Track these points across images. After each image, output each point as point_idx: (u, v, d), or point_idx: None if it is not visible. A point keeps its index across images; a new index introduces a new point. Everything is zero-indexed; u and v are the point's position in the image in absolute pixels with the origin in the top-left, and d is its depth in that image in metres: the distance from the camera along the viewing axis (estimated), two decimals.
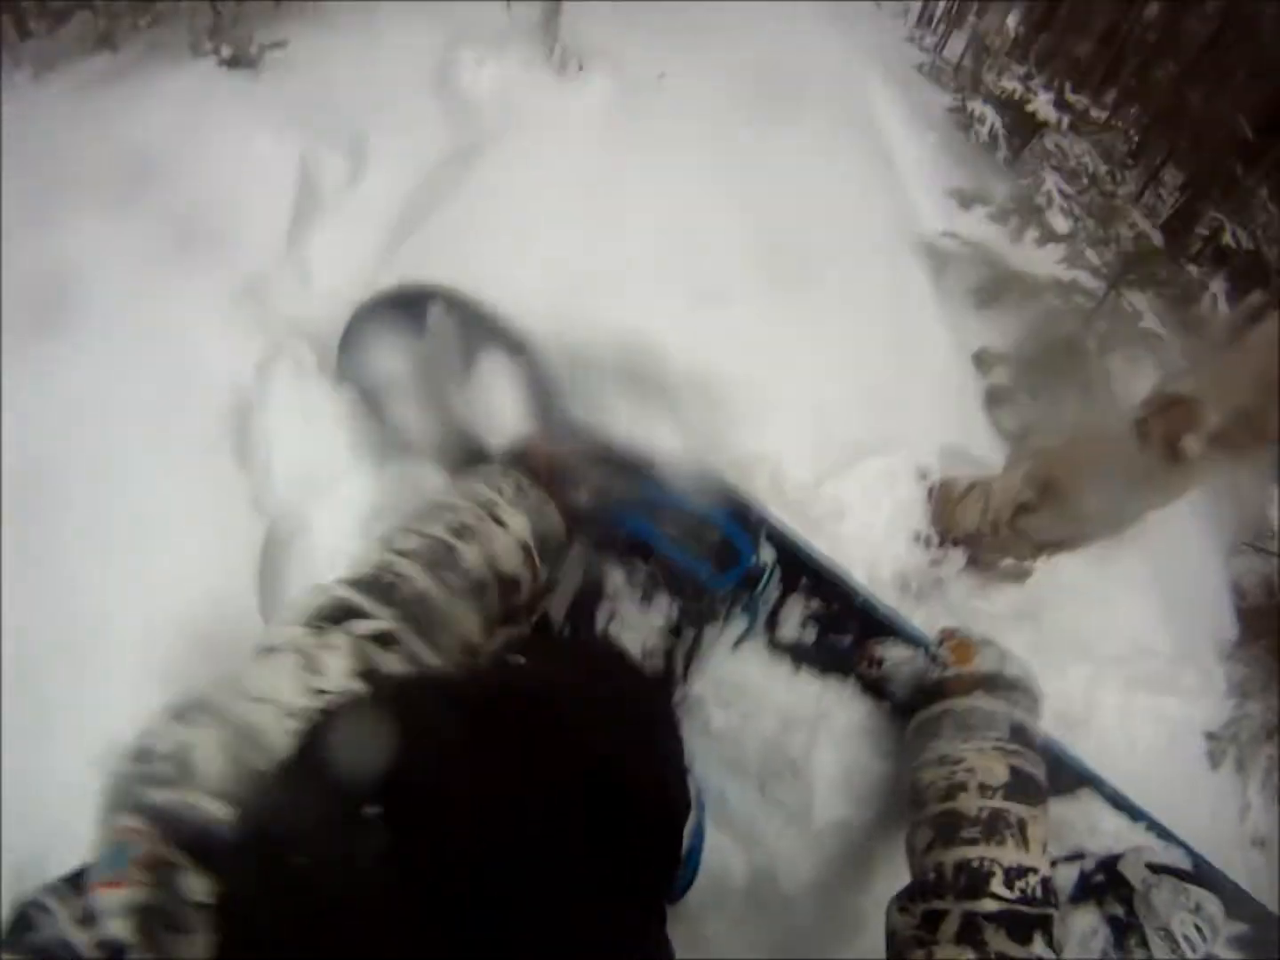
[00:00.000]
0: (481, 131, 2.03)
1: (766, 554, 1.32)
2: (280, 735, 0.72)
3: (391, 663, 0.86)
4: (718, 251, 1.83)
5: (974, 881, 0.87)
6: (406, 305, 1.49)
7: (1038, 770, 1.00)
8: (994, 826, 0.91)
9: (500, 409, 1.41)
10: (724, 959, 1.23)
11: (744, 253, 1.84)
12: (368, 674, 0.81)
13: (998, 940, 0.83)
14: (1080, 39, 3.75)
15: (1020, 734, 1.01)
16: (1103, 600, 1.85)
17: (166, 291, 1.63)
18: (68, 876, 0.68)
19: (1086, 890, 1.43)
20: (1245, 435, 1.19)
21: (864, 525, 1.51)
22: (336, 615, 0.87)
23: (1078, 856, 1.45)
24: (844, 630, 1.37)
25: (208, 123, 1.94)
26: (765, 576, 1.31)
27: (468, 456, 1.39)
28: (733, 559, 1.24)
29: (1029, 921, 0.86)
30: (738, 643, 1.33)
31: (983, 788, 0.94)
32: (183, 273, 1.65)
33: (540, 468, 1.20)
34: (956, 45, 3.63)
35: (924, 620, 1.46)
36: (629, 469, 1.28)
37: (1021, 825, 0.92)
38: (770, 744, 1.30)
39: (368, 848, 0.48)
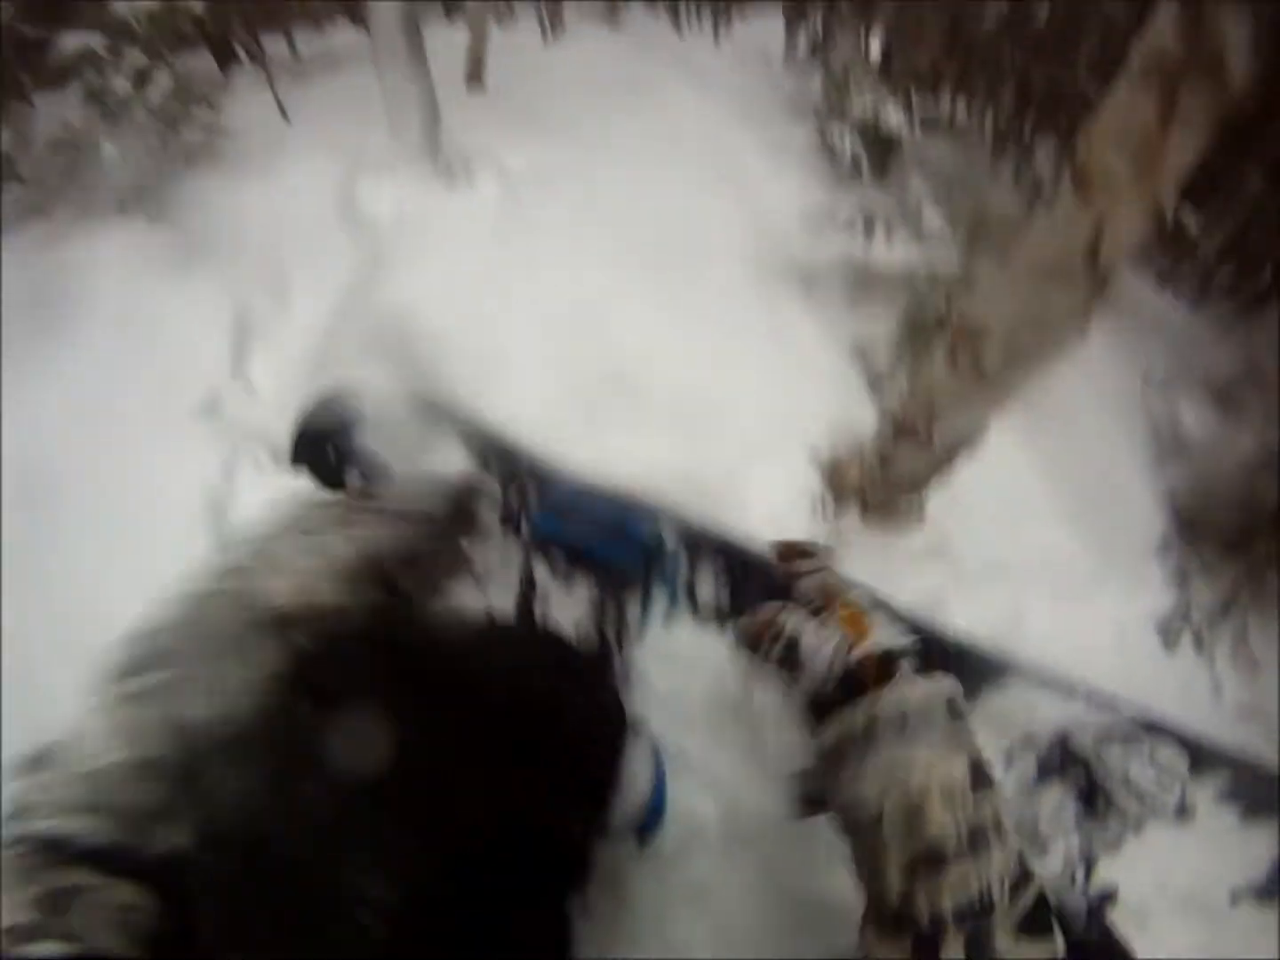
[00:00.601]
0: (387, 246, 2.28)
1: (669, 535, 1.52)
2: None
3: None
4: (617, 295, 2.06)
5: (982, 922, 0.73)
6: (342, 402, 1.74)
7: (977, 741, 0.85)
8: (977, 840, 0.76)
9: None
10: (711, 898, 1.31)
11: (639, 292, 2.08)
12: None
13: (1020, 949, 0.72)
14: (919, 47, 4.04)
15: (955, 709, 0.85)
16: (1012, 527, 1.99)
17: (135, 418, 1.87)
18: None
19: (1046, 771, 1.48)
20: (1036, 341, 1.36)
21: (768, 511, 1.68)
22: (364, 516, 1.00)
23: (1028, 745, 1.50)
24: (751, 585, 1.53)
25: (144, 277, 2.23)
26: (670, 552, 1.51)
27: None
28: (625, 531, 1.46)
29: (1039, 913, 0.75)
30: (666, 617, 1.52)
31: (947, 796, 0.78)
32: (144, 404, 1.91)
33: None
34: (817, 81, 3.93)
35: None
36: (538, 477, 1.49)
37: (995, 820, 0.78)
38: (713, 695, 1.44)
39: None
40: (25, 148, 2.48)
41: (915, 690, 0.84)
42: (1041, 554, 1.98)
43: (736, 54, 4.44)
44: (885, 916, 0.77)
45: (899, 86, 3.61)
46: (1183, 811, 1.46)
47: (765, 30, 4.74)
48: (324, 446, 1.72)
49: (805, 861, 1.33)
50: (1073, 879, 1.41)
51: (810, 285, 2.26)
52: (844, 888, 0.91)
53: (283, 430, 1.80)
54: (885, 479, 1.67)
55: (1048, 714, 1.51)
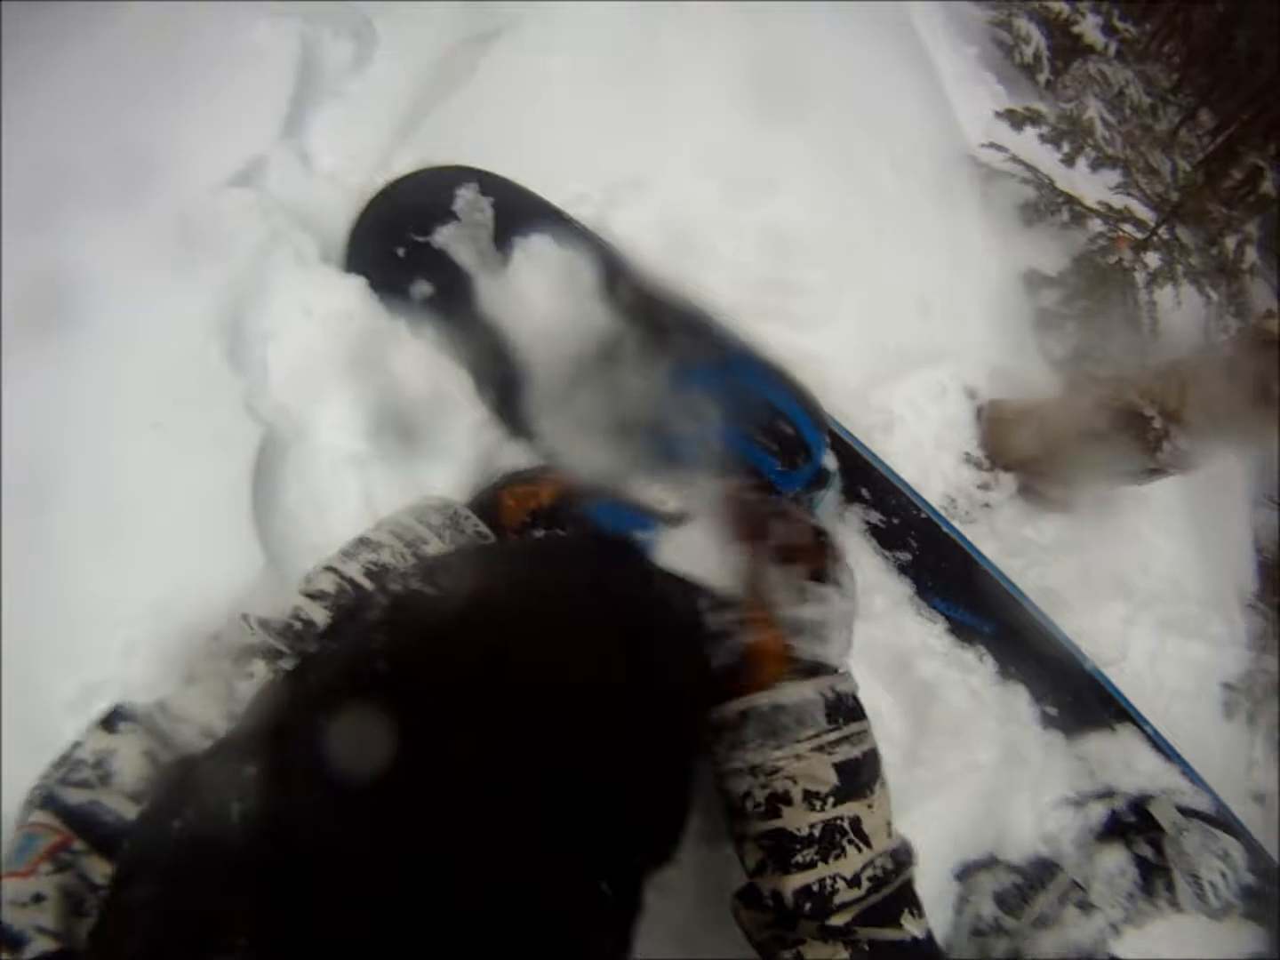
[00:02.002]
0: (500, 13, 1.84)
1: (831, 461, 1.22)
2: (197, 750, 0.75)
3: None
4: (761, 141, 1.69)
5: (820, 904, 0.78)
6: (431, 188, 1.37)
7: (863, 745, 0.86)
8: (830, 841, 0.80)
9: (547, 301, 1.30)
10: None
11: (786, 145, 1.70)
12: None
13: (866, 932, 0.77)
14: None
15: (838, 711, 0.86)
16: (1140, 539, 1.79)
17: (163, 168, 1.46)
18: None
19: (1116, 828, 1.43)
20: None
21: (912, 440, 1.43)
22: (255, 654, 0.86)
23: (1108, 794, 1.45)
24: (902, 547, 1.31)
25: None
26: (829, 482, 1.21)
27: (502, 362, 1.29)
28: (805, 457, 1.13)
29: (891, 904, 0.80)
30: None
31: (809, 796, 0.81)
32: (165, 158, 1.48)
33: (514, 506, 1.12)
34: None
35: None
36: (702, 337, 1.16)
37: (857, 825, 0.81)
38: None
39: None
40: None
41: (795, 693, 0.85)
42: (1163, 577, 1.81)
43: None
44: (748, 892, 0.85)
45: None
46: (1223, 914, 1.42)
47: None
48: (393, 242, 1.37)
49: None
50: (1101, 946, 1.37)
51: (987, 184, 1.90)
52: None
53: (339, 217, 1.46)
54: (1075, 461, 1.37)
55: (1141, 773, 1.47)
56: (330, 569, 0.94)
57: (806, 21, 1.98)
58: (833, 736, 0.83)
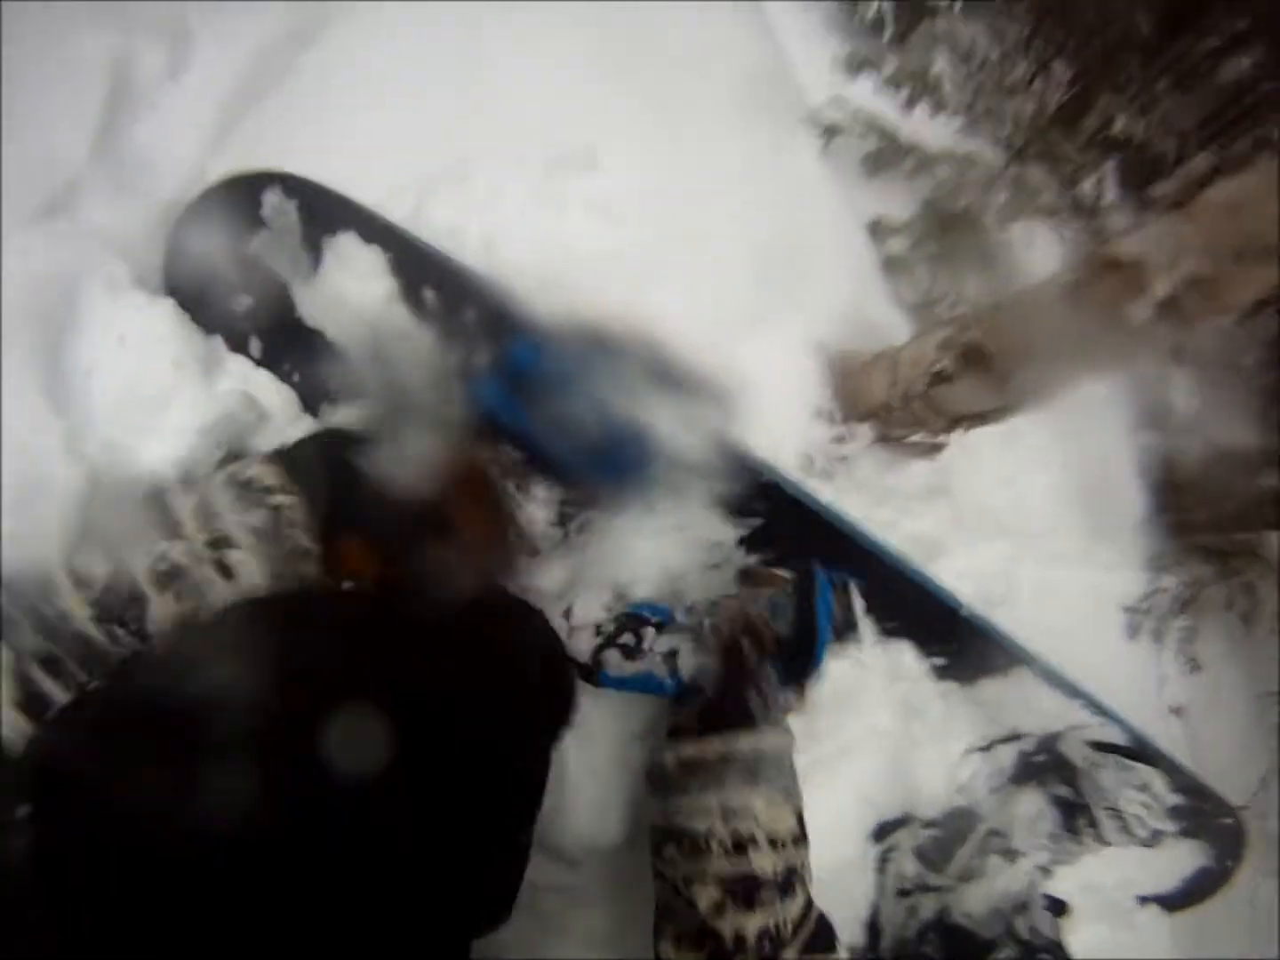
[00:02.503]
0: (316, 11, 1.78)
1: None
2: None
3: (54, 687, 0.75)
4: (582, 112, 1.66)
5: (776, 946, 0.83)
6: (239, 196, 1.32)
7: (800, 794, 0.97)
8: (788, 883, 0.87)
9: (358, 299, 1.25)
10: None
11: (611, 114, 1.68)
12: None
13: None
14: None
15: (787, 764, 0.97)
16: (1014, 476, 1.81)
17: None
18: None
19: (1028, 771, 1.44)
20: (1198, 303, 1.10)
21: (760, 400, 1.39)
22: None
23: (1015, 737, 1.46)
24: (752, 512, 1.31)
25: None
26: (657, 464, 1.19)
27: (317, 363, 1.25)
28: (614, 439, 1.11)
29: (823, 938, 0.87)
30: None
31: (774, 842, 0.88)
32: None
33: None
34: None
35: (832, 498, 1.38)
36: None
37: (805, 868, 0.90)
38: None
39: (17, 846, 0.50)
40: None
41: (775, 742, 0.94)
42: (1041, 512, 1.85)
43: None
44: (687, 930, 0.86)
45: None
46: (1152, 842, 1.45)
47: None
48: (206, 257, 1.32)
49: None
50: (1031, 889, 1.38)
51: (828, 138, 1.89)
52: None
53: (151, 237, 1.41)
54: (926, 405, 1.37)
55: (1042, 711, 1.48)
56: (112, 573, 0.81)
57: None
58: (794, 785, 0.94)
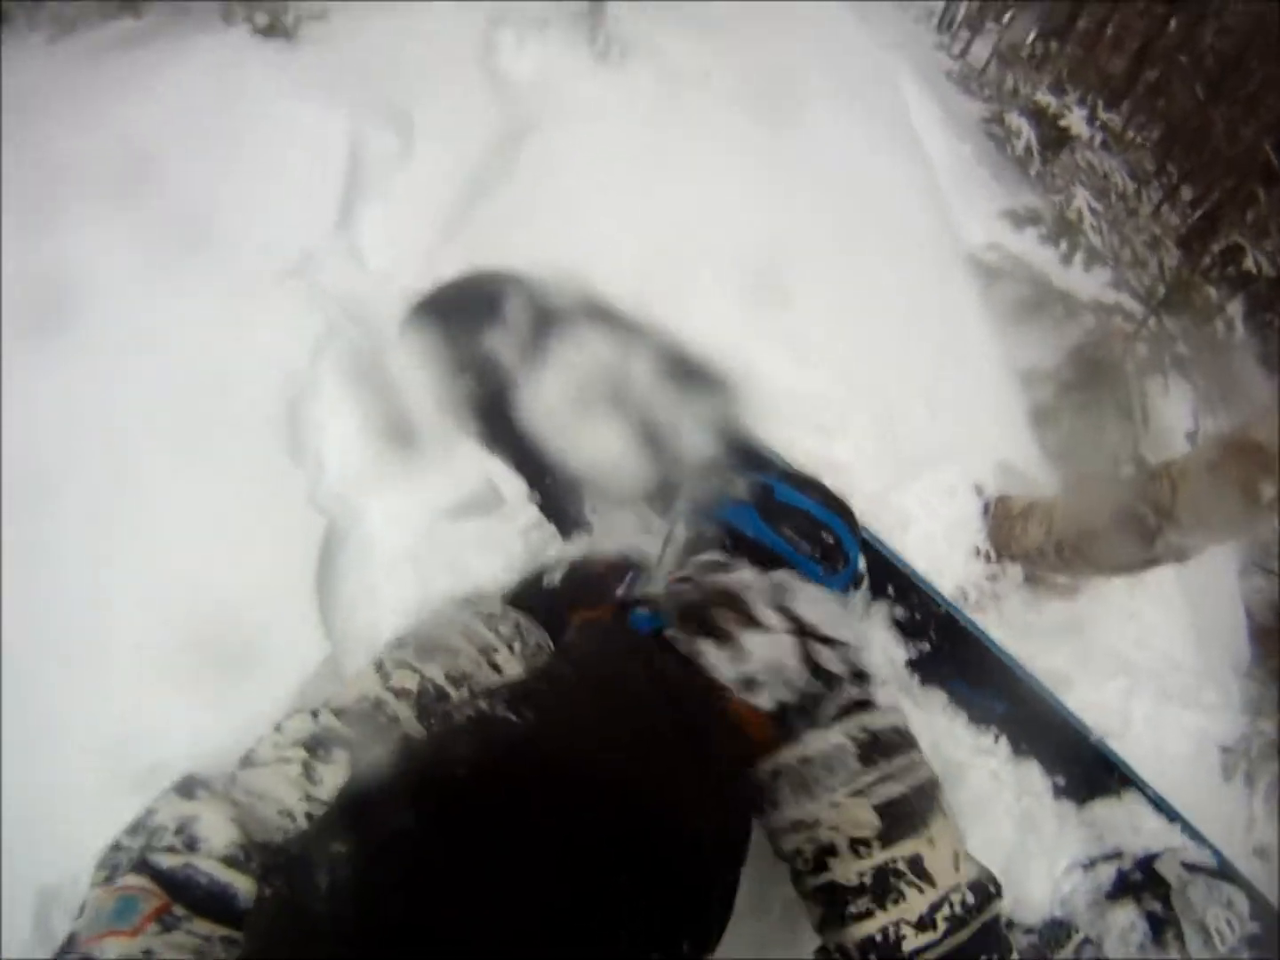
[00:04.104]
0: (525, 114, 1.98)
1: (863, 563, 1.32)
2: (278, 829, 0.79)
3: None
4: (771, 250, 1.80)
5: (887, 954, 0.76)
6: (477, 293, 1.47)
7: (914, 777, 0.83)
8: (884, 887, 0.77)
9: (591, 403, 1.39)
10: None
11: (796, 252, 1.82)
12: None
13: None
14: (1113, 54, 3.80)
15: (874, 749, 0.83)
16: (1136, 616, 1.88)
17: (181, 280, 1.54)
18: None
19: (1125, 887, 1.48)
20: None
21: (926, 536, 1.52)
22: (331, 739, 0.89)
23: (1116, 855, 1.50)
24: (923, 637, 1.42)
25: (243, 93, 1.86)
26: (862, 583, 1.32)
27: (547, 458, 1.39)
28: (843, 560, 1.22)
29: (973, 944, 0.77)
30: None
31: (855, 845, 0.79)
32: (199, 263, 1.56)
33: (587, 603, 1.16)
34: (979, 50, 3.64)
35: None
36: (743, 459, 1.25)
37: (916, 864, 0.78)
38: None
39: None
40: None
41: (820, 741, 0.83)
42: (1159, 651, 1.89)
43: None
44: (820, 951, 0.82)
45: (1078, 82, 3.35)
46: (1233, 956, 1.44)
47: None
48: (441, 345, 1.46)
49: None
50: None
51: (987, 283, 2.02)
52: None
53: (388, 312, 1.54)
54: (1077, 554, 1.47)
55: (1146, 834, 1.51)
56: (410, 668, 0.98)
57: (808, 133, 2.11)
58: (869, 778, 0.81)
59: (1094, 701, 1.67)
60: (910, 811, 0.81)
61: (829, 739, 0.83)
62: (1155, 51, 3.63)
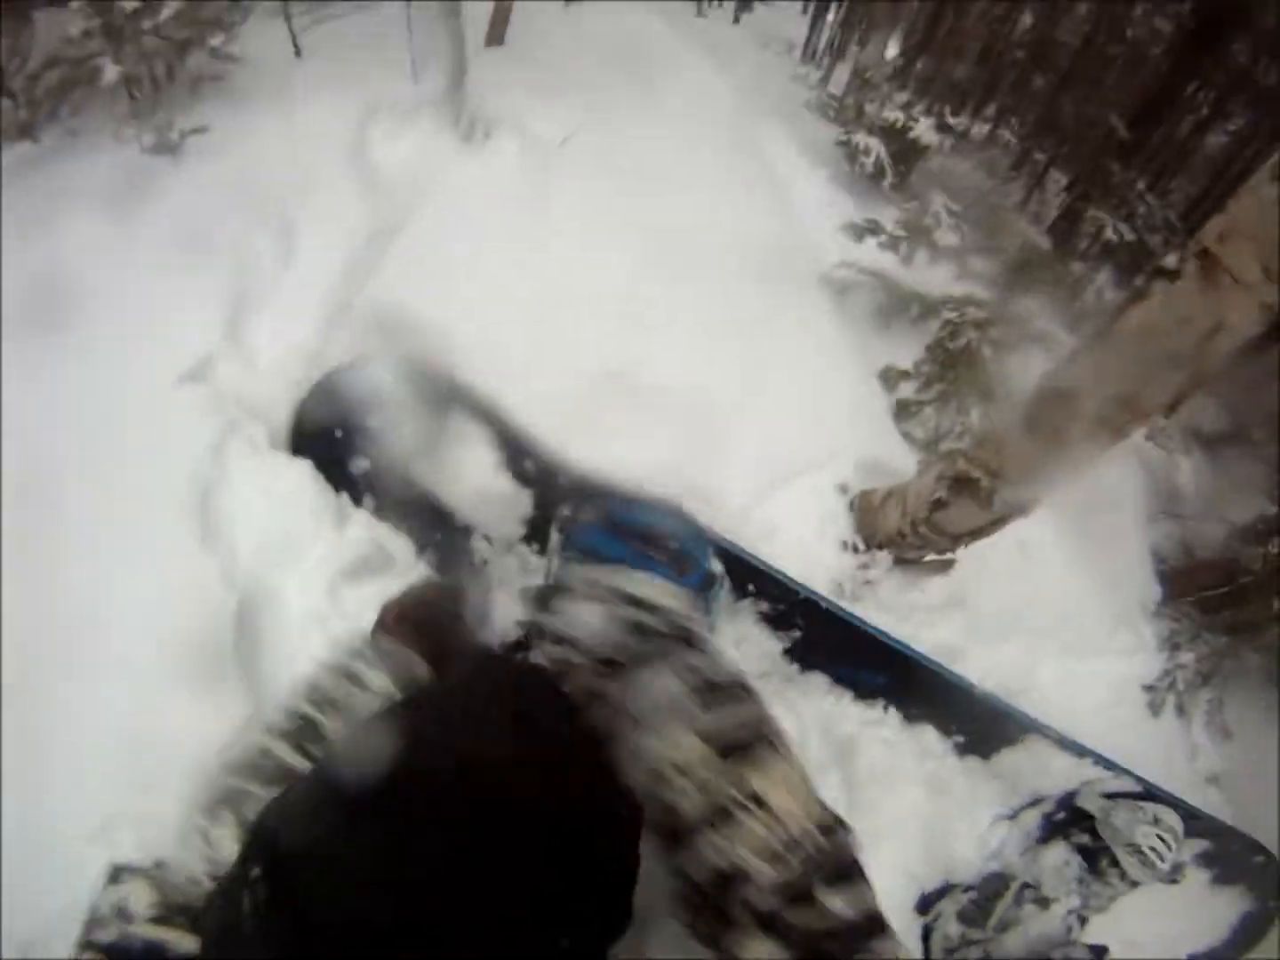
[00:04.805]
0: (400, 202, 2.12)
1: (715, 565, 1.45)
2: (190, 892, 0.84)
3: None
4: (636, 296, 1.96)
5: (734, 883, 0.71)
6: (360, 377, 1.59)
7: (740, 708, 0.79)
8: (721, 814, 0.74)
9: (468, 467, 1.53)
10: None
11: (660, 295, 1.97)
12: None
13: (797, 918, 0.69)
14: (957, 62, 4.03)
15: (705, 689, 0.79)
16: (1026, 579, 2.00)
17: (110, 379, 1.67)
18: None
19: (1052, 828, 1.57)
20: (1123, 416, 1.33)
21: (795, 540, 1.65)
22: (224, 798, 0.93)
23: (1036, 801, 1.59)
24: (792, 626, 1.53)
25: (135, 213, 1.99)
26: (717, 583, 1.44)
27: (430, 515, 1.52)
28: (691, 565, 1.35)
29: (823, 883, 0.72)
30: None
31: (679, 769, 0.76)
32: (123, 360, 1.70)
33: (392, 623, 1.17)
34: (841, 78, 3.84)
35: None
36: (588, 493, 1.38)
37: (752, 796, 0.74)
38: None
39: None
40: (18, 62, 2.21)
41: (641, 678, 0.80)
42: (1054, 608, 2.01)
43: (756, 37, 4.29)
44: (677, 894, 0.75)
45: (927, 93, 3.57)
46: (1175, 874, 1.52)
47: (786, 13, 4.61)
48: (330, 428, 1.59)
49: None
50: (1069, 933, 1.49)
51: (840, 298, 2.17)
52: None
53: (282, 405, 1.68)
54: (931, 528, 1.61)
55: (1058, 774, 1.59)
56: (283, 711, 1.01)
57: (669, 180, 2.29)
58: (700, 712, 0.77)
59: (991, 666, 1.77)
60: (743, 739, 0.77)
61: (656, 675, 0.81)
62: (995, 53, 3.87)
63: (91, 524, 1.50)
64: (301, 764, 0.94)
